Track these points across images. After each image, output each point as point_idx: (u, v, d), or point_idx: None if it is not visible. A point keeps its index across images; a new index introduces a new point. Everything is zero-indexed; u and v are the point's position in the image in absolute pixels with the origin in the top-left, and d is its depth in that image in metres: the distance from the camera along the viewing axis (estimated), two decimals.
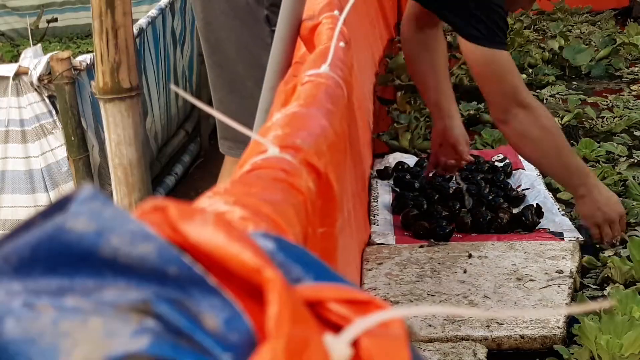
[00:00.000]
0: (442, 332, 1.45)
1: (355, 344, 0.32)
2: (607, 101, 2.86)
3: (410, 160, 2.35)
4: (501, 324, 1.46)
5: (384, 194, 2.14)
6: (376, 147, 2.55)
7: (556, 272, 1.65)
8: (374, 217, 1.97)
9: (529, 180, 2.13)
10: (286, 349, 0.29)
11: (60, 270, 0.28)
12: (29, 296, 0.28)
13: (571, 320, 1.50)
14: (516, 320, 1.46)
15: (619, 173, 2.21)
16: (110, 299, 0.29)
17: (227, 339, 0.30)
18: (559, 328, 1.45)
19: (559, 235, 1.83)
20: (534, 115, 1.81)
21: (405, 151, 2.47)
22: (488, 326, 1.45)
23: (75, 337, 0.27)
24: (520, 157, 2.26)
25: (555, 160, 1.85)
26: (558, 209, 1.95)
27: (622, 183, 2.17)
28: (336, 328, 0.32)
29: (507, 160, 2.25)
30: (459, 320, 1.48)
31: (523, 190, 2.09)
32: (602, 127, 2.59)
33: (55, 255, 0.28)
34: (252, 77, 1.80)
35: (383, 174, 2.25)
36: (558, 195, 2.08)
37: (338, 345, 0.31)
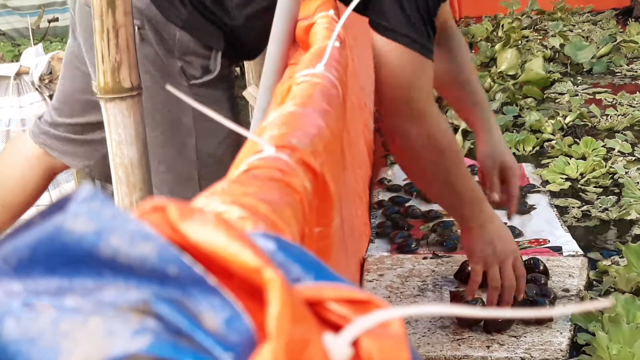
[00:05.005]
0: (441, 351, 1.42)
1: (355, 343, 0.32)
2: (611, 98, 2.85)
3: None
4: (502, 344, 1.43)
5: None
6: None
7: (562, 290, 1.61)
8: (372, 232, 1.94)
9: (534, 199, 2.09)
10: (286, 349, 0.29)
11: (60, 270, 0.28)
12: (29, 296, 0.28)
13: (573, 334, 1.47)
14: (517, 342, 1.43)
15: (611, 167, 2.20)
16: (110, 299, 0.29)
17: (227, 339, 0.30)
18: (561, 351, 1.41)
19: (557, 250, 1.79)
20: (425, 126, 1.45)
21: None
22: (488, 347, 1.42)
23: (75, 337, 0.27)
24: (526, 174, 2.24)
25: (443, 184, 1.50)
26: (561, 224, 1.92)
27: (610, 176, 2.16)
28: (336, 328, 0.32)
29: None
30: (458, 339, 1.45)
31: (530, 205, 2.05)
32: (605, 124, 2.59)
33: (54, 256, 0.28)
34: (173, 144, 1.65)
35: (390, 189, 2.21)
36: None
37: (338, 345, 0.31)
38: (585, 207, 2.02)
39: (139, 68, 1.38)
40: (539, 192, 2.11)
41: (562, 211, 2.01)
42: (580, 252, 1.76)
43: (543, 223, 1.93)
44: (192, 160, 1.71)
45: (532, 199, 2.06)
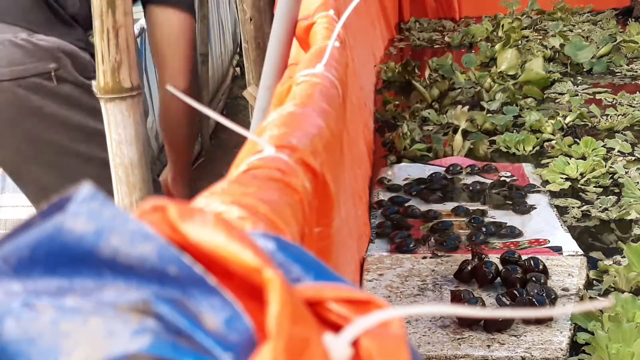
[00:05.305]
0: (441, 350, 1.42)
1: (355, 343, 0.32)
2: (611, 98, 2.85)
3: (415, 169, 2.31)
4: (502, 343, 1.42)
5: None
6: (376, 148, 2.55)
7: (562, 289, 1.61)
8: (372, 232, 1.93)
9: (535, 199, 2.08)
10: (286, 349, 0.29)
11: (60, 270, 0.28)
12: (29, 296, 0.28)
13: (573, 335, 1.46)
14: (518, 341, 1.43)
15: (611, 166, 2.20)
16: (110, 299, 0.29)
17: (227, 339, 0.30)
18: (561, 350, 1.41)
19: (557, 250, 1.78)
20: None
21: (401, 155, 2.43)
22: (489, 346, 1.42)
23: (75, 337, 0.27)
24: (526, 174, 2.24)
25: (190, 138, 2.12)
26: (561, 224, 1.91)
27: (610, 176, 2.16)
28: (336, 328, 0.32)
29: (514, 177, 2.22)
30: (459, 338, 1.45)
31: (530, 205, 2.04)
32: (605, 124, 2.59)
33: (54, 256, 0.28)
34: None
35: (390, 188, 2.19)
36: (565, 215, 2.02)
37: (338, 345, 0.31)
38: (585, 207, 2.02)
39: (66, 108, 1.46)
40: (539, 192, 2.11)
41: (562, 211, 2.01)
42: (580, 252, 1.76)
43: (543, 223, 1.92)
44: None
45: (532, 199, 2.06)
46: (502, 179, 2.21)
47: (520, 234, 1.87)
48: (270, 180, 0.50)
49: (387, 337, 0.32)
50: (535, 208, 2.00)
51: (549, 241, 1.82)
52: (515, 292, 1.53)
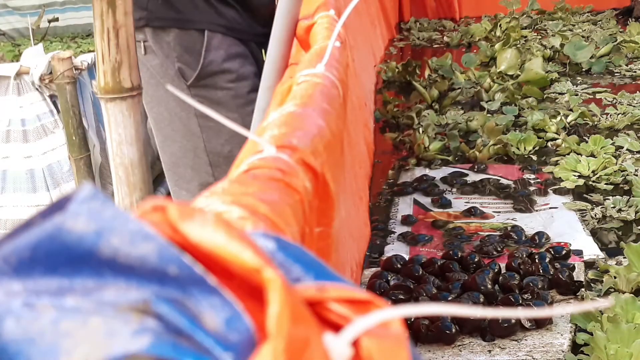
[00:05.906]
0: (442, 357, 1.42)
1: (355, 343, 0.32)
2: (612, 97, 2.85)
3: (436, 174, 2.30)
4: (503, 348, 1.42)
5: (405, 210, 2.08)
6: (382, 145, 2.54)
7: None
8: (390, 236, 1.92)
9: (557, 200, 2.07)
10: (286, 349, 0.29)
11: (60, 270, 0.28)
12: (29, 296, 0.28)
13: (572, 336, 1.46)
14: (519, 345, 1.43)
15: (622, 164, 2.20)
16: (110, 299, 0.29)
17: (228, 339, 0.30)
18: (562, 352, 1.41)
19: (578, 254, 1.77)
20: None
21: (422, 159, 2.41)
22: (490, 351, 1.42)
23: (76, 337, 0.27)
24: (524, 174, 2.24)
25: None
26: (583, 228, 1.90)
27: (621, 173, 2.16)
28: (336, 328, 0.32)
29: (538, 180, 2.22)
30: (459, 345, 1.44)
31: (551, 208, 2.03)
32: (605, 122, 2.59)
33: (54, 255, 0.28)
34: (188, 154, 1.73)
35: (402, 190, 2.18)
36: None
37: (338, 345, 0.31)
38: (600, 208, 2.01)
39: (147, 80, 1.42)
40: (560, 194, 2.10)
41: (580, 210, 2.00)
42: (602, 255, 1.75)
43: (565, 226, 1.91)
44: (207, 163, 1.72)
45: (553, 200, 2.05)
46: (522, 178, 2.20)
47: (548, 239, 1.84)
48: (271, 180, 0.50)
49: (387, 337, 0.32)
50: (557, 208, 1.99)
51: (570, 245, 1.81)
52: (511, 297, 1.53)
